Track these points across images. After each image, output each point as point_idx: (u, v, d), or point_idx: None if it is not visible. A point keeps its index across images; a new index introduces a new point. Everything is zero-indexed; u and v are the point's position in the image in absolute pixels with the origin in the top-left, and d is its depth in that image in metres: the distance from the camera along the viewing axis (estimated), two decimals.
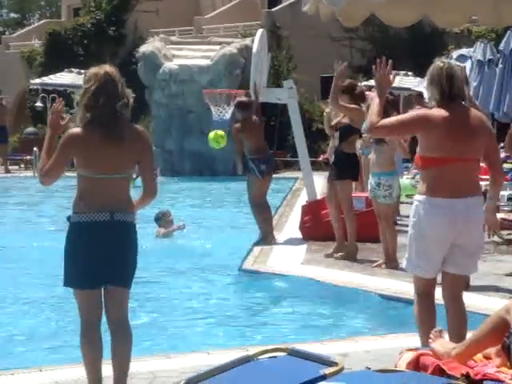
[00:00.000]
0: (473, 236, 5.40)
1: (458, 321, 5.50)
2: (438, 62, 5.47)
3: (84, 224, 4.59)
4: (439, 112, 5.23)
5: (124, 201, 4.70)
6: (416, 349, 4.43)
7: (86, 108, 4.62)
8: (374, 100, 5.59)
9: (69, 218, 4.74)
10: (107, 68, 4.74)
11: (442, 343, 4.36)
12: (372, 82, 9.41)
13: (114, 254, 4.72)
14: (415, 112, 6.23)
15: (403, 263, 5.76)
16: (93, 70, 4.75)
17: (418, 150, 5.51)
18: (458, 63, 6.36)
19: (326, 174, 10.60)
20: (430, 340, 4.44)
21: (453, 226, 5.26)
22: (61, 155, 4.66)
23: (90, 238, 4.60)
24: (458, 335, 5.17)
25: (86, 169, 4.67)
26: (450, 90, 5.22)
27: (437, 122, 5.23)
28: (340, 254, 9.86)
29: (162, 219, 11.95)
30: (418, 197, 5.48)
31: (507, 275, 8.51)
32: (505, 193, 10.62)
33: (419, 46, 21.39)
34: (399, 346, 5.28)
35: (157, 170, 12.79)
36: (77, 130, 4.64)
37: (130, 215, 4.72)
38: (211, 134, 11.70)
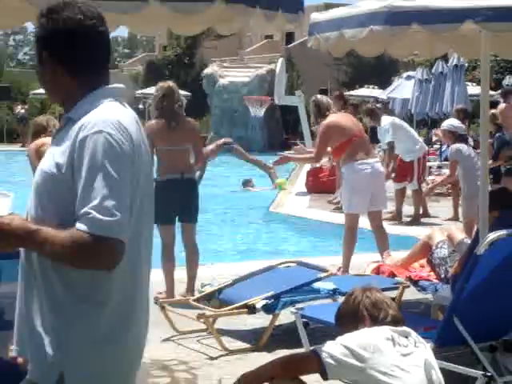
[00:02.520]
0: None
1: (382, 241, 7.62)
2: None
3: (162, 182, 6.66)
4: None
5: (187, 165, 6.89)
6: (377, 261, 6.76)
7: (156, 108, 6.96)
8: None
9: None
10: (169, 83, 7.03)
11: (391, 259, 6.60)
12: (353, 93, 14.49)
13: (185, 202, 6.86)
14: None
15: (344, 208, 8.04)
16: (160, 84, 7.12)
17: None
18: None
19: None
20: (384, 257, 6.75)
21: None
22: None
23: (168, 191, 6.60)
24: (383, 249, 7.31)
25: (158, 144, 6.79)
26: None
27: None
28: (335, 201, 12.70)
29: (247, 183, 16.70)
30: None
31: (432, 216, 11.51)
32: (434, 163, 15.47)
33: (382, 69, 31.52)
34: (366, 260, 7.53)
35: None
36: (151, 121, 7.04)
37: (193, 175, 6.99)
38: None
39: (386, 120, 10.93)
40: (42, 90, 22.70)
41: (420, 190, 11.12)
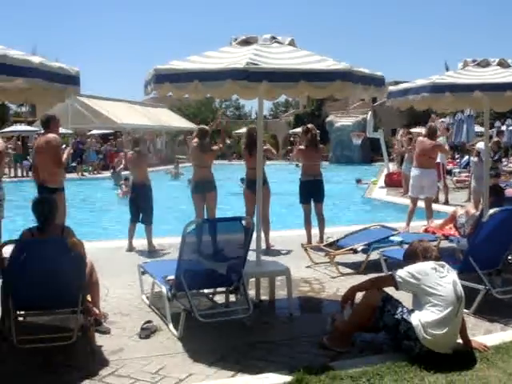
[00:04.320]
0: None
1: (429, 213, 11.31)
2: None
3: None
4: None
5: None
6: (426, 225, 9.81)
7: (302, 139, 10.33)
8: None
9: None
10: (309, 125, 10.32)
11: (434, 224, 9.54)
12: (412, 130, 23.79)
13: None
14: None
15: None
16: (307, 126, 10.16)
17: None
18: None
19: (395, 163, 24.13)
20: (429, 223, 9.84)
21: None
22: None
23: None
24: (430, 218, 10.91)
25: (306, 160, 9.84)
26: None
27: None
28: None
29: (359, 181, 25.21)
30: None
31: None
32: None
33: (425, 116, 34.21)
34: (420, 224, 10.81)
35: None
36: (301, 146, 9.96)
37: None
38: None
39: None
40: None
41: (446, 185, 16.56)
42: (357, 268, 8.50)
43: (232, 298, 6.55)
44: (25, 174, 29.75)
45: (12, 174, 30.03)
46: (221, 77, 5.69)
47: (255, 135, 9.04)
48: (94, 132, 37.95)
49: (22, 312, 5.50)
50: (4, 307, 5.21)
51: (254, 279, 6.92)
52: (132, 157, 10.43)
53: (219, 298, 6.88)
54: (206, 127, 10.32)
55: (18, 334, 4.98)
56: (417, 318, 5.04)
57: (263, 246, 9.04)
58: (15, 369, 5.07)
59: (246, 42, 6.52)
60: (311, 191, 10.11)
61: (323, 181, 10.21)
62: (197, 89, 6.05)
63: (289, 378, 4.72)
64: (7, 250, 5.23)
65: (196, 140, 10.03)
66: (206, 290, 6.74)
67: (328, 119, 46.35)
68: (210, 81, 5.78)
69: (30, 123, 40.88)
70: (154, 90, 6.13)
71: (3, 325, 5.13)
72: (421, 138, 12.21)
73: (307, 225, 10.14)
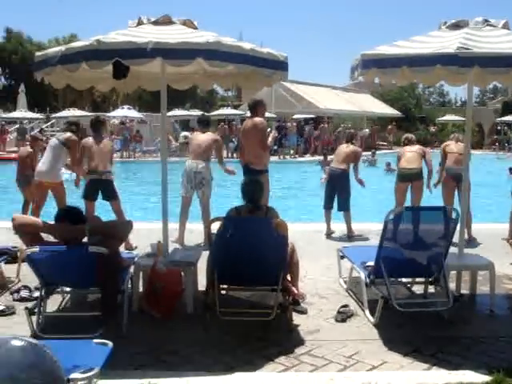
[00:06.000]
0: None
1: None
2: None
3: None
4: None
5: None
6: None
7: None
8: None
9: None
10: None
11: None
12: None
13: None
14: None
15: None
16: None
17: None
18: None
19: None
20: None
21: None
22: None
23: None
24: None
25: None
26: None
27: None
28: None
29: None
30: None
31: None
32: None
33: None
34: None
35: None
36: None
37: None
38: None
39: None
40: None
41: None
42: None
43: (431, 289, 6.40)
44: (230, 155, 31.18)
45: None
46: (429, 62, 5.56)
47: None
48: (296, 116, 38.73)
49: (225, 286, 5.82)
50: (209, 280, 5.51)
51: (454, 272, 6.69)
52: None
53: (417, 288, 6.77)
54: None
55: (220, 305, 5.27)
56: None
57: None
58: (217, 337, 5.39)
59: (456, 26, 6.35)
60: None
61: None
62: (404, 74, 5.99)
63: (487, 378, 4.53)
64: (215, 226, 5.51)
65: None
66: (403, 279, 6.67)
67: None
68: (417, 66, 5.67)
69: (235, 107, 42.70)
70: (360, 75, 6.14)
71: (208, 296, 5.43)
72: None
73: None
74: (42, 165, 9.51)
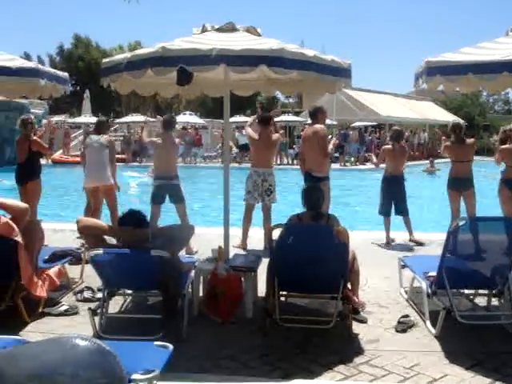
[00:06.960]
0: None
1: None
2: None
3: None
4: None
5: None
6: None
7: None
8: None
9: None
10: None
11: None
12: None
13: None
14: None
15: None
16: None
17: None
18: None
19: None
20: None
21: None
22: None
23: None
24: None
25: None
26: None
27: None
28: None
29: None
30: None
31: None
32: None
33: None
34: None
35: None
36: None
37: None
38: None
39: None
40: None
41: None
42: None
43: (494, 301, 6.24)
44: (290, 161, 31.14)
45: (278, 162, 31.60)
46: (496, 69, 5.44)
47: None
48: (357, 124, 38.45)
49: (285, 292, 5.80)
50: (270, 286, 5.52)
51: None
52: (393, 149, 10.41)
53: (480, 301, 6.60)
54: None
55: (280, 312, 5.24)
56: None
57: None
58: (275, 343, 5.40)
59: None
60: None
61: None
62: (469, 82, 5.89)
63: None
64: (276, 233, 5.52)
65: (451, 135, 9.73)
66: (466, 291, 6.52)
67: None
68: (483, 73, 5.55)
69: (296, 113, 42.69)
70: (425, 82, 6.05)
71: (267, 302, 5.44)
72: None
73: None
74: (93, 169, 9.65)
